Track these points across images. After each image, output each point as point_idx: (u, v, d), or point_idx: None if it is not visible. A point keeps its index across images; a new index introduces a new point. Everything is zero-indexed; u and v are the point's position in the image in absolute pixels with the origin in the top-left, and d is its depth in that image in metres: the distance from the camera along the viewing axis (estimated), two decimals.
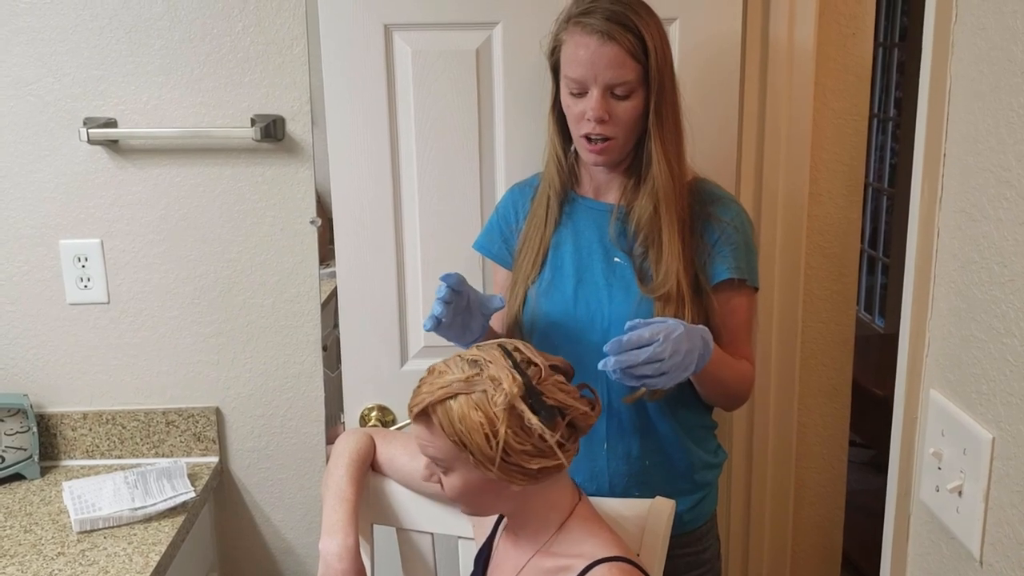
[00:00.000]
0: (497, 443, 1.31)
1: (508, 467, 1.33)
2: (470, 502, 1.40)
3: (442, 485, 1.40)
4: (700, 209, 1.67)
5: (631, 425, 1.67)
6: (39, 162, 2.02)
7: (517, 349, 1.38)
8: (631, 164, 1.67)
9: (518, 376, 1.33)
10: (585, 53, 1.56)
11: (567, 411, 1.36)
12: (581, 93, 1.59)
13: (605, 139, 1.60)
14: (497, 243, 1.82)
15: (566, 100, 1.63)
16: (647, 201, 1.63)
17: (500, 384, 1.32)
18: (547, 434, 1.32)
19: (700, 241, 1.66)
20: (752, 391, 1.75)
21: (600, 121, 1.58)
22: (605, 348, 1.43)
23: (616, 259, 1.68)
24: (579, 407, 1.37)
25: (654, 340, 1.42)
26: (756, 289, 1.71)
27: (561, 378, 1.39)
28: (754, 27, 2.00)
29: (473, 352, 1.38)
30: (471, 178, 1.94)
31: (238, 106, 2.00)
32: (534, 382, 1.34)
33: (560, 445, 1.34)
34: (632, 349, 1.42)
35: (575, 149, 1.71)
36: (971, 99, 1.09)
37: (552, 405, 1.34)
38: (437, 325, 1.57)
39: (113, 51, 1.98)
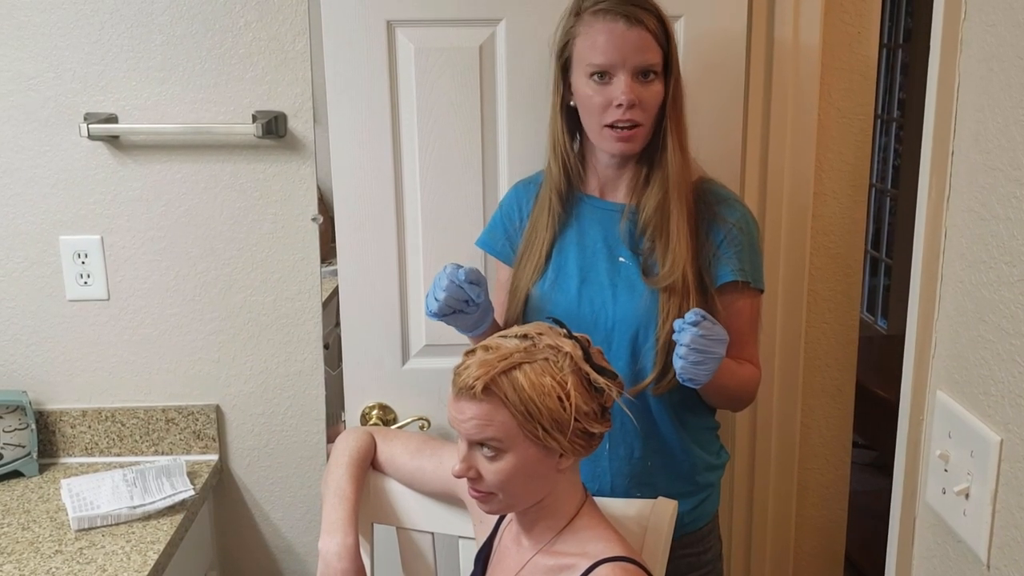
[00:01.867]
0: (571, 404, 1.32)
1: (575, 432, 1.34)
2: (514, 489, 1.36)
3: (476, 479, 1.36)
4: (705, 209, 1.66)
5: (633, 426, 1.66)
6: (39, 157, 2.01)
7: (559, 323, 1.43)
8: (640, 159, 1.66)
9: (575, 341, 1.38)
10: (610, 39, 1.55)
11: (612, 379, 1.40)
12: (605, 81, 1.57)
13: (632, 126, 1.58)
14: (501, 240, 1.81)
15: (586, 91, 1.60)
16: (657, 191, 1.62)
17: (561, 349, 1.35)
18: (614, 390, 1.37)
19: (705, 241, 1.64)
20: (757, 393, 1.74)
21: (631, 106, 1.56)
22: (691, 315, 1.44)
23: (621, 259, 1.67)
24: (619, 377, 1.42)
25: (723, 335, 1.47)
26: (761, 291, 1.70)
27: (600, 348, 1.44)
28: (759, 26, 1.98)
29: (516, 329, 1.40)
30: (474, 176, 1.93)
31: (240, 102, 1.99)
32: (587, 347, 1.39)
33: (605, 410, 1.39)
34: (710, 334, 1.44)
35: (579, 149, 1.70)
36: (980, 96, 1.07)
37: (605, 368, 1.39)
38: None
39: (114, 46, 1.97)
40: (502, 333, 1.42)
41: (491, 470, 1.35)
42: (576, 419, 1.33)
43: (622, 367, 1.63)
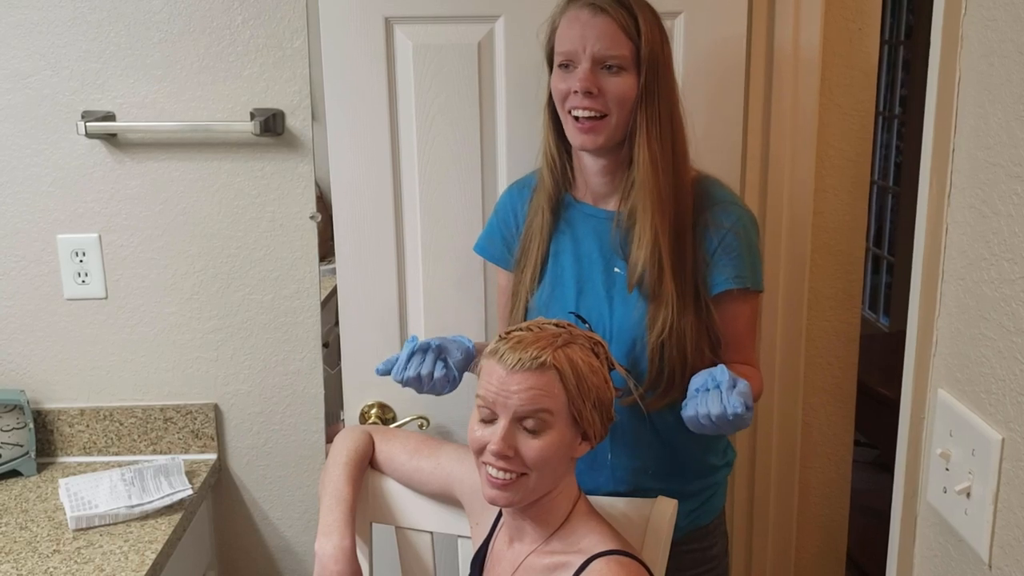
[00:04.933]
0: (610, 385, 1.41)
1: (606, 415, 1.41)
2: (547, 469, 1.36)
3: (512, 458, 1.34)
4: (699, 214, 1.62)
5: (637, 429, 1.64)
6: (37, 156, 2.01)
7: (580, 318, 1.53)
8: (630, 165, 1.61)
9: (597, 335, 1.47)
10: (576, 26, 1.54)
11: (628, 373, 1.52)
12: (570, 68, 1.55)
13: (596, 117, 1.54)
14: (499, 246, 1.80)
15: (555, 80, 1.59)
16: (634, 193, 1.59)
17: (593, 338, 1.43)
18: (631, 380, 1.50)
19: (698, 250, 1.61)
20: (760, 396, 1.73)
21: (587, 93, 1.52)
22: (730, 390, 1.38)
23: (616, 269, 1.64)
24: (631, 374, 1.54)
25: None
26: (760, 292, 1.68)
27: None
28: (759, 22, 1.97)
29: (542, 320, 1.45)
30: (472, 174, 1.92)
31: (237, 100, 1.99)
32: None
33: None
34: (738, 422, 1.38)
35: (570, 153, 1.68)
36: (981, 93, 1.06)
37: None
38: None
39: (112, 44, 1.96)
40: (531, 322, 1.44)
41: (533, 446, 1.34)
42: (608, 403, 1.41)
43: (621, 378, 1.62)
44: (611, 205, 1.66)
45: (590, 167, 1.65)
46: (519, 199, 1.77)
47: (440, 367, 1.57)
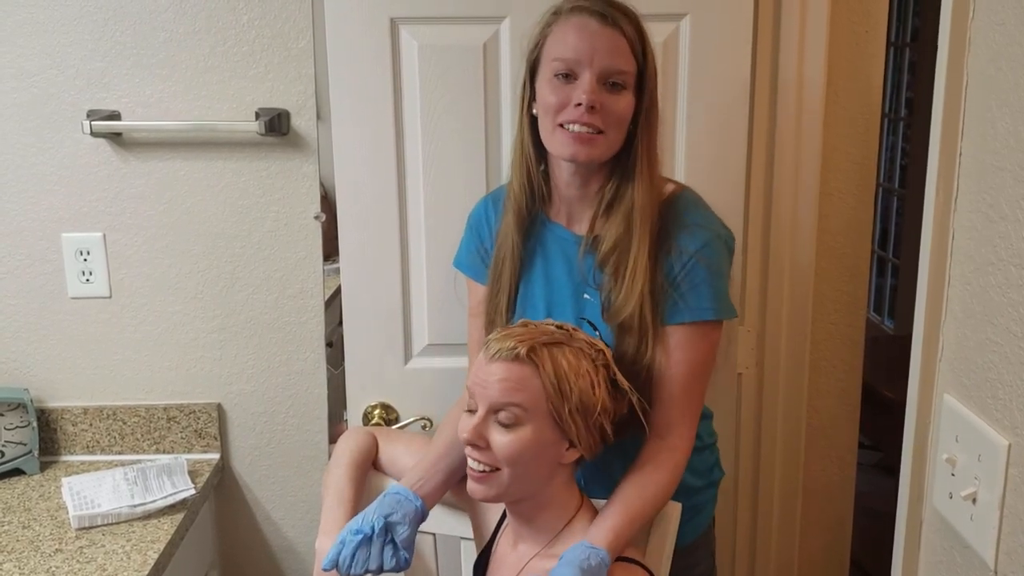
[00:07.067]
0: (599, 392, 1.37)
1: (594, 424, 1.37)
2: (519, 468, 1.34)
3: (484, 449, 1.33)
4: (663, 240, 1.50)
5: (612, 450, 1.50)
6: (42, 155, 2.01)
7: (591, 324, 1.49)
8: (605, 184, 1.52)
9: (603, 343, 1.43)
10: (581, 35, 1.43)
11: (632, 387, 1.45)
12: (569, 78, 1.44)
13: (592, 132, 1.44)
14: (476, 262, 1.72)
15: (546, 89, 1.46)
16: (620, 221, 1.48)
17: (595, 345, 1.41)
18: (634, 394, 1.42)
19: (659, 273, 1.49)
20: (680, 476, 1.52)
21: (591, 107, 1.41)
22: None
23: (585, 295, 1.57)
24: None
25: None
26: (722, 321, 1.53)
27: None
28: (765, 24, 1.97)
29: (550, 321, 1.43)
30: (477, 174, 1.92)
31: (243, 100, 1.98)
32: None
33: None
34: None
35: (544, 169, 1.57)
36: (988, 96, 1.06)
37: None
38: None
39: (117, 43, 1.96)
40: (532, 320, 1.44)
41: (504, 441, 1.34)
42: (602, 411, 1.37)
43: None
44: (583, 227, 1.57)
45: (564, 179, 1.55)
46: (493, 211, 1.69)
47: (389, 554, 1.44)
